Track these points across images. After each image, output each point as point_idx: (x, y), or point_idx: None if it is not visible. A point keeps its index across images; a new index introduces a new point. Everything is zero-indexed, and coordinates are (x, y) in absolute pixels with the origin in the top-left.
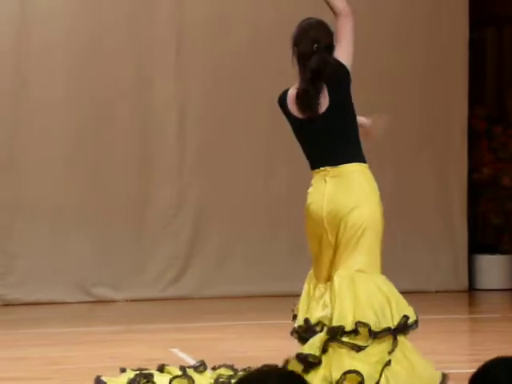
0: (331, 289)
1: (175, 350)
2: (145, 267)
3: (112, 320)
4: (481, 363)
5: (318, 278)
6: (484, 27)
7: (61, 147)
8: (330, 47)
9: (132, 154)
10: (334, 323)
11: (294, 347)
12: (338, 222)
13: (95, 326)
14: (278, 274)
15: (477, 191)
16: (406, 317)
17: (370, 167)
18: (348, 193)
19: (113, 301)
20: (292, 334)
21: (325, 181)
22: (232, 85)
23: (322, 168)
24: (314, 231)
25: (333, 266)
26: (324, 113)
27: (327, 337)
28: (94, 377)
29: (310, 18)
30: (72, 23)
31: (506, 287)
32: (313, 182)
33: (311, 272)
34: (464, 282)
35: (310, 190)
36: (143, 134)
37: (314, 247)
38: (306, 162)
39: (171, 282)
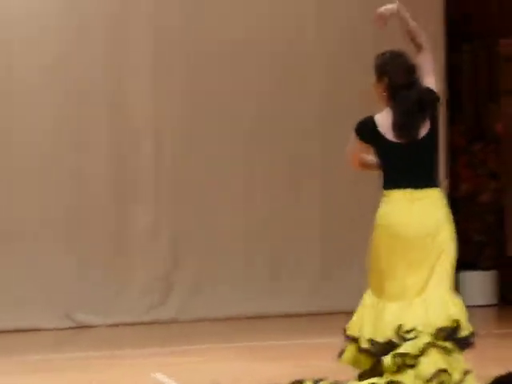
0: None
1: (159, 375)
2: (125, 291)
3: (93, 345)
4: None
5: (381, 295)
6: (460, 44)
7: (37, 161)
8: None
9: (108, 179)
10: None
11: (281, 369)
12: (424, 241)
13: (75, 352)
14: (258, 296)
15: (456, 207)
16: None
17: (350, 182)
18: (434, 215)
19: (94, 326)
20: (361, 351)
21: (411, 201)
22: (209, 108)
23: (407, 189)
24: (393, 248)
25: (409, 281)
26: (423, 138)
27: (429, 340)
28: None
29: (392, 50)
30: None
31: (488, 303)
32: (389, 200)
33: (368, 294)
34: None
35: (388, 208)
36: (119, 158)
37: (385, 264)
38: (285, 186)
39: (152, 306)
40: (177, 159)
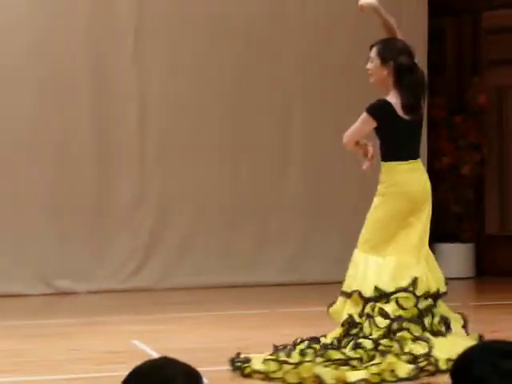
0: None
1: (136, 342)
2: (106, 259)
3: (72, 312)
4: None
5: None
6: (443, 17)
7: (20, 136)
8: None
9: (92, 145)
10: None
11: (256, 337)
12: (428, 204)
13: (55, 319)
14: (242, 265)
15: (437, 180)
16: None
17: (333, 158)
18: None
19: (73, 293)
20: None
21: (420, 171)
22: (192, 73)
23: (417, 159)
24: (409, 211)
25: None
26: (421, 114)
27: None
28: (54, 369)
29: (390, 37)
30: (26, 11)
31: (466, 275)
32: (408, 169)
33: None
34: None
35: (404, 177)
36: (103, 124)
37: (395, 225)
38: (270, 152)
39: (132, 274)
40: (162, 132)
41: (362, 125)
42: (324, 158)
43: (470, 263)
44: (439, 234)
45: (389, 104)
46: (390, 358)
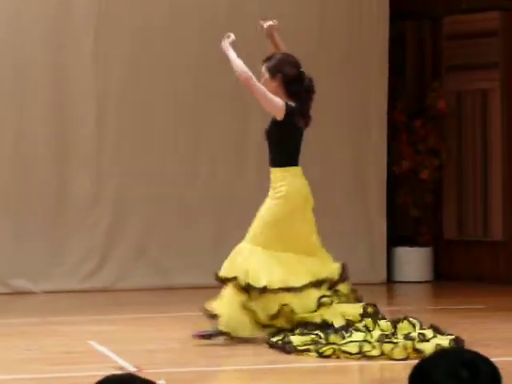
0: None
1: (93, 343)
2: (62, 258)
3: (29, 312)
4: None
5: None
6: (404, 21)
7: None
8: None
9: (48, 142)
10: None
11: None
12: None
13: (11, 318)
14: (199, 265)
15: (396, 184)
16: None
17: None
18: None
19: (30, 292)
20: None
21: (304, 176)
22: (151, 71)
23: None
24: (300, 213)
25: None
26: (307, 123)
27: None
28: (10, 369)
29: (275, 53)
30: None
31: (424, 279)
32: (296, 174)
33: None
34: (382, 274)
35: (298, 182)
36: (60, 121)
37: (296, 226)
38: (227, 151)
39: (89, 274)
40: (118, 132)
41: (272, 100)
42: None
43: (427, 267)
44: (397, 238)
45: (293, 107)
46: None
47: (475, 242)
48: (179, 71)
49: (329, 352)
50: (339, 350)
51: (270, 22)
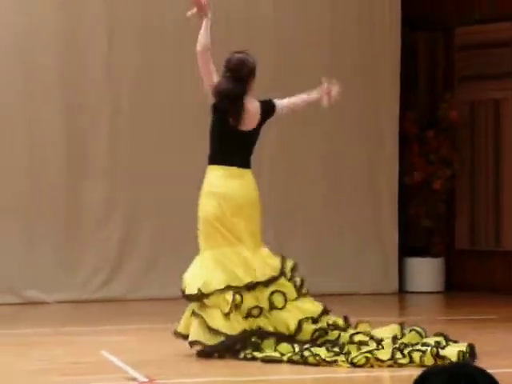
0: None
1: (105, 353)
2: (75, 269)
3: (41, 322)
4: (405, 366)
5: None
6: (416, 32)
7: None
8: None
9: (61, 155)
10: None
11: None
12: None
13: (24, 329)
14: None
15: (408, 195)
16: None
17: (303, 169)
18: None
19: (43, 303)
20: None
21: (239, 176)
22: (164, 84)
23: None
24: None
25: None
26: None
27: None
28: (22, 379)
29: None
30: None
31: (436, 290)
32: (226, 175)
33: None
34: (394, 285)
35: (226, 181)
36: (73, 134)
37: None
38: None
39: (102, 284)
40: (132, 145)
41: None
42: (292, 174)
43: (439, 277)
44: (410, 248)
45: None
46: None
47: (487, 252)
48: (192, 83)
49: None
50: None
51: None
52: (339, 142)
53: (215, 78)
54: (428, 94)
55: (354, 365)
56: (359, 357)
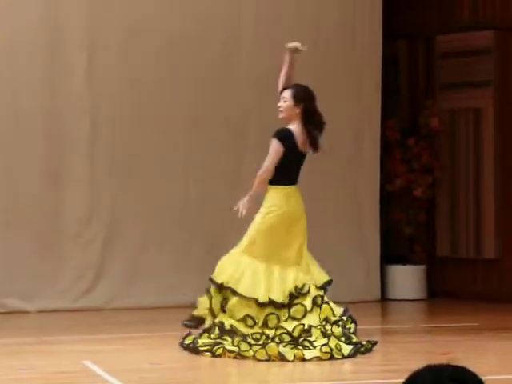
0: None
1: (87, 362)
2: (56, 278)
3: (22, 331)
4: (391, 373)
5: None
6: (397, 41)
7: None
8: None
9: (41, 160)
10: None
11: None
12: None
13: (5, 338)
14: (193, 285)
15: (390, 202)
16: None
17: None
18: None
19: (24, 312)
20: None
21: (295, 194)
22: (145, 87)
23: (293, 186)
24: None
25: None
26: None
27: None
28: None
29: (298, 84)
30: None
31: (418, 297)
32: (287, 193)
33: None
34: (376, 293)
35: (285, 199)
36: (53, 138)
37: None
38: (221, 166)
39: (83, 293)
40: (113, 147)
41: (276, 152)
42: None
43: (421, 285)
44: (391, 256)
45: (290, 132)
46: (334, 341)
47: (468, 260)
48: (174, 87)
49: (219, 351)
50: (225, 349)
51: (298, 45)
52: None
53: None
54: (409, 101)
55: (213, 354)
56: (218, 346)
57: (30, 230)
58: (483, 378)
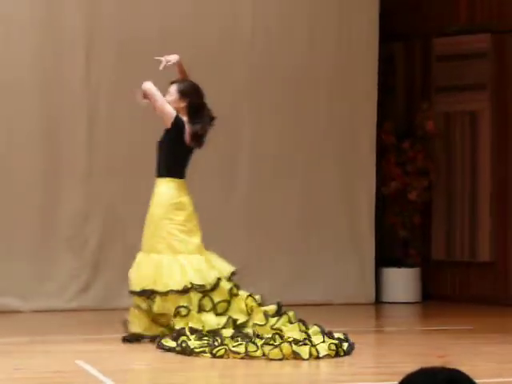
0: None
1: (80, 362)
2: (50, 277)
3: (16, 331)
4: (385, 376)
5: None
6: (394, 42)
7: None
8: None
9: (37, 160)
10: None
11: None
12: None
13: None
14: None
15: (385, 205)
16: None
17: (279, 179)
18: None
19: (18, 311)
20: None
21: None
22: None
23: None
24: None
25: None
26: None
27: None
28: None
29: (186, 79)
30: None
31: (412, 300)
32: (179, 185)
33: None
34: (371, 295)
35: (178, 191)
36: (49, 138)
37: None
38: (216, 170)
39: (78, 293)
40: (110, 142)
41: (166, 106)
42: (269, 184)
43: (416, 288)
44: (386, 259)
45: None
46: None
47: (463, 263)
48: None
49: (221, 353)
50: (230, 350)
51: (174, 59)
52: (315, 152)
53: None
54: (405, 104)
55: (214, 355)
56: (218, 349)
57: (25, 231)
58: (477, 381)
